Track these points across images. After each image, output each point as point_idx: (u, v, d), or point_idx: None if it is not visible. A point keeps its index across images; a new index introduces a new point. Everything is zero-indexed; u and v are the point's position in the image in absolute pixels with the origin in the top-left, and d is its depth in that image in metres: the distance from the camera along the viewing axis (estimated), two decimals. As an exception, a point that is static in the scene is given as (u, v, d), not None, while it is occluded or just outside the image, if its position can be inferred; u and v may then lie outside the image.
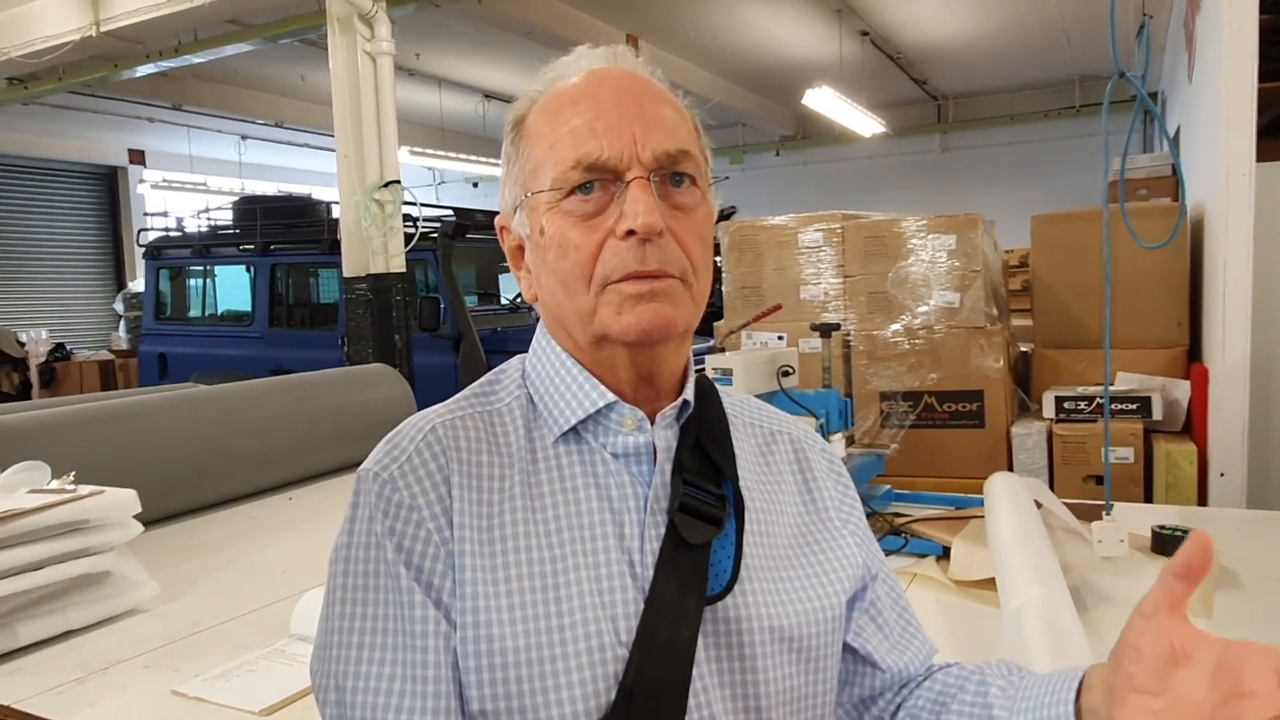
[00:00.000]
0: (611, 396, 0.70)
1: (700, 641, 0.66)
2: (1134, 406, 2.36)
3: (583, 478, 0.70)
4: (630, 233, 0.65)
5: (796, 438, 0.83)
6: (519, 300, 5.74)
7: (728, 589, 0.68)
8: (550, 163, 0.68)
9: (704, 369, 1.18)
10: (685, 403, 0.73)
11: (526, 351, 0.77)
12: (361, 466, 0.69)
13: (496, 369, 0.78)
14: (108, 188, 10.71)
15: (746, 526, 0.72)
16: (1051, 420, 2.45)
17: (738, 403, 0.83)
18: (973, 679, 0.74)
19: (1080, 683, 0.63)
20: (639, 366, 0.70)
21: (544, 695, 0.62)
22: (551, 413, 0.72)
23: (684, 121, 0.72)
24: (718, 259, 3.12)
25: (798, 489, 0.80)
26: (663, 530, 0.68)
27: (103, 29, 5.18)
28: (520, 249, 0.74)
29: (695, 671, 0.65)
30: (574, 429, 0.71)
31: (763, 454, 0.80)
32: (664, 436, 0.71)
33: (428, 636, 0.63)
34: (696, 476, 0.71)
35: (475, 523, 0.66)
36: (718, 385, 0.83)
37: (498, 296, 5.97)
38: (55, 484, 1.50)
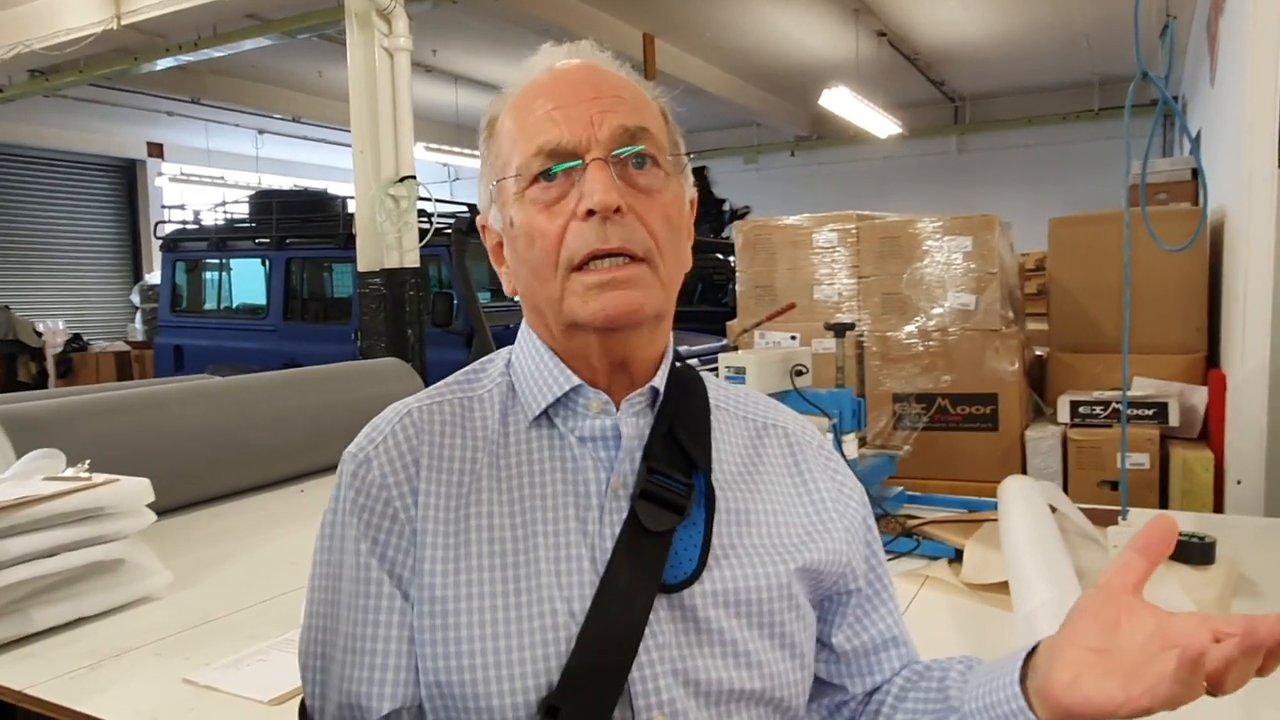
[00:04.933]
0: (576, 380, 0.72)
1: (658, 628, 0.67)
2: (1150, 412, 2.34)
3: (549, 461, 0.72)
4: (590, 212, 0.67)
5: (792, 432, 0.82)
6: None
7: (691, 579, 0.69)
8: (515, 154, 0.71)
9: (715, 368, 1.18)
10: (654, 390, 0.74)
11: None
12: (347, 449, 0.74)
13: (484, 358, 0.80)
14: (126, 180, 10.81)
15: (722, 517, 0.72)
16: (1066, 425, 2.43)
17: (733, 395, 0.83)
18: (934, 670, 0.76)
19: (1028, 660, 0.65)
20: (610, 353, 0.72)
21: (495, 670, 0.64)
22: (526, 399, 0.74)
23: (644, 103, 0.73)
24: (731, 258, 3.11)
25: (791, 481, 0.79)
26: (625, 515, 0.69)
27: (124, 22, 5.22)
28: (500, 245, 0.77)
29: (646, 657, 0.65)
30: (545, 414, 0.73)
31: (753, 445, 0.80)
32: (632, 423, 0.73)
33: (380, 611, 0.67)
34: (665, 465, 0.72)
35: (440, 503, 0.69)
36: (716, 379, 0.84)
37: (510, 293, 5.98)
38: (70, 472, 1.51)
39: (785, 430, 0.82)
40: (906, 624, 0.82)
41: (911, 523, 1.74)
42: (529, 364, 0.75)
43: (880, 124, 8.45)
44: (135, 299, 9.95)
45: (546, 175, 0.69)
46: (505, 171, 0.72)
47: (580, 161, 0.68)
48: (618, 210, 0.67)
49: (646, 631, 0.66)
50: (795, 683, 0.73)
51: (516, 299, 0.77)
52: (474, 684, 0.64)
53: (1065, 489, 2.34)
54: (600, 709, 0.63)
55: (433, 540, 0.68)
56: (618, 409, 0.73)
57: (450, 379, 0.78)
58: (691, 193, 0.77)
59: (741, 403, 0.83)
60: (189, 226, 6.69)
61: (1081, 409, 2.42)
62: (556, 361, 0.73)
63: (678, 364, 0.79)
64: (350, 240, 4.54)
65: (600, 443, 0.72)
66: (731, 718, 0.69)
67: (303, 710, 0.74)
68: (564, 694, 0.63)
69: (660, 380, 0.75)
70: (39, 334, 8.71)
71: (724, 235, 7.43)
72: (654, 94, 0.76)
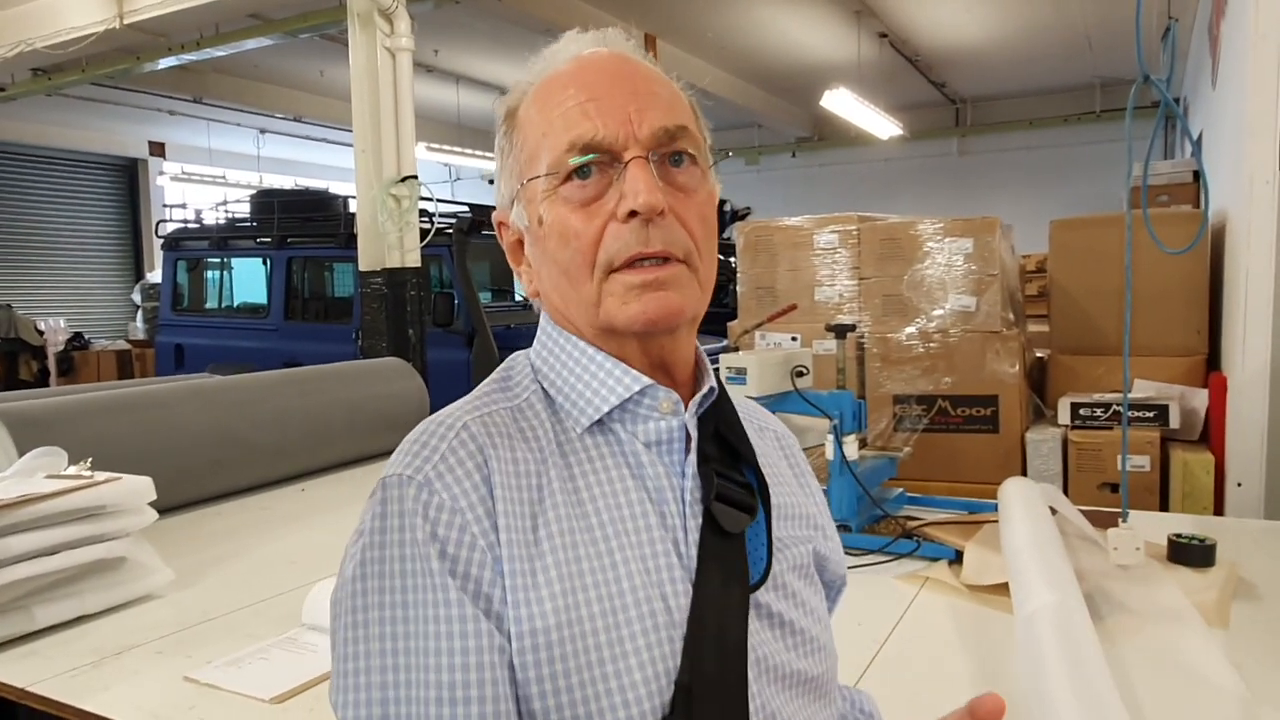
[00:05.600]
0: (646, 380, 0.68)
1: (755, 634, 0.66)
2: (1151, 414, 2.34)
3: (617, 469, 0.67)
4: (632, 214, 0.63)
5: (781, 434, 0.84)
6: (532, 297, 5.74)
7: (765, 575, 0.68)
8: (545, 149, 0.66)
9: (716, 368, 1.18)
10: (713, 389, 0.71)
11: None
12: (386, 472, 0.64)
13: (502, 366, 0.74)
14: (128, 179, 10.81)
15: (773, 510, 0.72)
16: (1067, 427, 2.43)
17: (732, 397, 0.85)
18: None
19: None
20: (650, 355, 0.69)
21: (605, 684, 0.59)
22: (576, 403, 0.69)
23: (679, 100, 0.70)
24: (732, 259, 3.12)
25: (792, 475, 0.81)
26: (700, 520, 0.66)
27: (126, 21, 5.23)
28: (519, 243, 0.72)
29: (754, 670, 0.64)
30: (599, 420, 0.68)
31: (759, 441, 0.81)
32: (693, 423, 0.69)
33: (482, 652, 0.58)
34: (721, 465, 0.69)
35: (520, 523, 0.62)
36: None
37: (512, 293, 5.98)
38: (72, 470, 1.51)
39: (776, 433, 0.84)
40: (907, 626, 0.84)
41: (912, 524, 1.75)
42: (571, 366, 0.69)
43: (881, 126, 8.45)
44: (136, 298, 9.96)
45: (581, 173, 0.65)
46: (534, 168, 0.67)
47: (617, 159, 0.65)
48: (660, 212, 0.64)
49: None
50: (836, 662, 0.75)
51: (531, 301, 0.73)
52: (585, 703, 0.59)
53: (1066, 491, 2.34)
54: None
55: (522, 567, 0.61)
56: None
57: (482, 391, 0.71)
58: (717, 190, 0.75)
59: (739, 405, 0.83)
60: (190, 225, 6.70)
61: (1082, 411, 2.42)
62: (615, 361, 0.68)
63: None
64: (351, 240, 4.55)
65: (665, 446, 0.68)
66: (808, 709, 0.69)
67: None
68: (686, 713, 0.60)
69: (711, 379, 0.72)
70: (40, 332, 8.72)
71: (725, 236, 7.43)
72: (679, 85, 0.73)
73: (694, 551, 0.65)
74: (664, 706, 0.60)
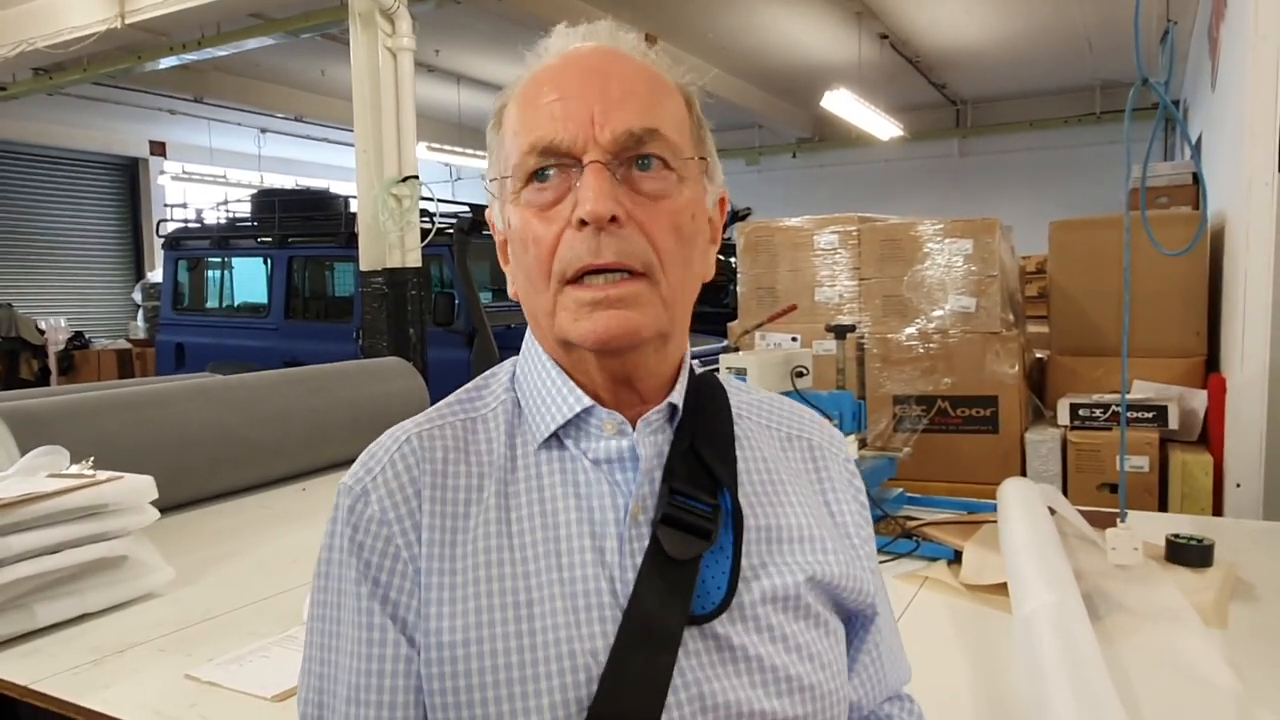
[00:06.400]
0: (588, 401, 0.66)
1: (686, 663, 0.62)
2: (1150, 415, 2.34)
3: (561, 487, 0.66)
4: (584, 222, 0.61)
5: (816, 444, 0.77)
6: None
7: (720, 609, 0.63)
8: (514, 149, 0.65)
9: (716, 368, 1.17)
10: (671, 406, 0.68)
11: None
12: (340, 481, 0.67)
13: (488, 372, 0.74)
14: (129, 178, 10.82)
15: (750, 536, 0.67)
16: (1066, 427, 2.44)
17: (758, 403, 0.78)
18: None
19: None
20: (610, 371, 0.66)
21: (510, 704, 0.59)
22: (534, 418, 0.68)
23: (664, 100, 0.66)
24: (732, 260, 3.12)
25: (811, 491, 0.74)
26: (646, 543, 0.64)
27: (128, 21, 5.23)
28: (506, 243, 0.71)
29: (674, 698, 0.60)
30: (555, 435, 0.67)
31: (778, 456, 0.75)
32: (650, 442, 0.67)
33: (385, 660, 0.61)
34: (688, 485, 0.66)
35: (444, 538, 0.63)
36: (740, 385, 0.79)
37: (511, 293, 5.98)
38: (74, 469, 1.51)
39: (810, 442, 0.77)
40: (906, 625, 0.80)
41: (911, 524, 1.75)
42: (534, 380, 0.69)
43: (882, 126, 8.45)
44: (137, 297, 9.97)
45: (539, 176, 0.63)
46: (503, 168, 0.66)
47: (577, 162, 0.62)
48: (614, 220, 0.61)
49: (674, 670, 0.60)
50: (835, 704, 0.67)
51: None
52: None
53: (1065, 492, 2.35)
54: None
55: (438, 580, 0.62)
56: (634, 428, 0.67)
57: (452, 398, 0.72)
58: (720, 191, 0.71)
59: (766, 411, 0.77)
60: (191, 225, 6.71)
61: (1081, 412, 2.43)
62: (565, 379, 0.67)
63: (697, 372, 0.73)
64: (352, 239, 4.55)
65: (617, 465, 0.66)
66: None
67: None
68: None
69: (679, 395, 0.69)
70: (41, 331, 8.72)
71: (725, 236, 7.43)
72: (682, 79, 0.69)
73: (630, 578, 0.63)
74: None
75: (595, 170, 0.61)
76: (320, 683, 0.64)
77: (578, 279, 0.62)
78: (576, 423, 0.67)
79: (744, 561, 0.66)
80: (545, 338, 0.68)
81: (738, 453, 0.71)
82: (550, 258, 0.63)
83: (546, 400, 0.68)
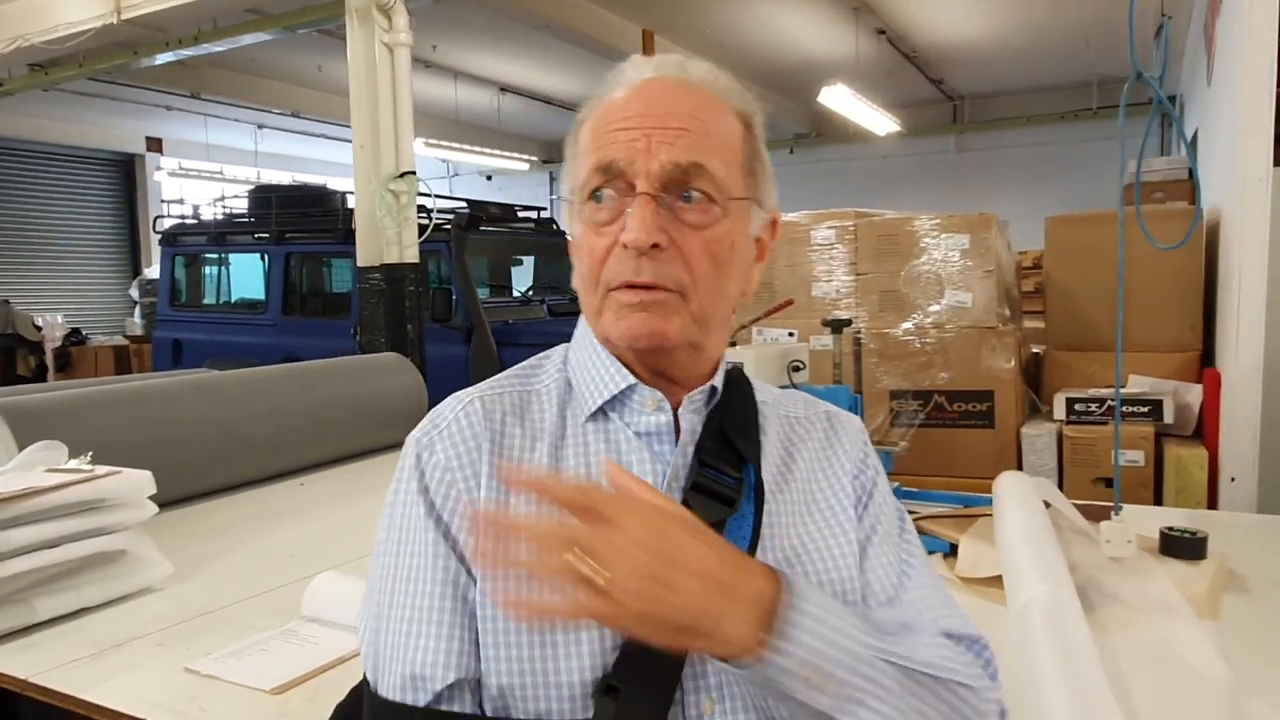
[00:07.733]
0: (631, 379, 0.75)
1: None
2: (1145, 410, 2.35)
3: (606, 453, 0.74)
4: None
5: (833, 413, 0.85)
6: (530, 293, 5.77)
7: None
8: (580, 167, 0.74)
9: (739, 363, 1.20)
10: (713, 389, 0.77)
11: (537, 344, 0.83)
12: (409, 436, 0.76)
13: (541, 354, 0.82)
14: (125, 174, 10.78)
15: (770, 515, 0.74)
16: (1062, 422, 2.45)
17: (780, 397, 0.85)
18: None
19: None
20: (648, 366, 0.75)
21: (553, 648, 0.67)
22: (583, 394, 0.77)
23: (714, 136, 0.72)
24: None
25: (821, 465, 0.80)
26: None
27: (123, 16, 5.21)
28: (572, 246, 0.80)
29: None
30: (602, 410, 0.76)
31: (793, 441, 0.81)
32: (690, 419, 0.75)
33: (446, 584, 0.69)
34: (716, 459, 0.74)
35: (501, 488, 0.71)
36: (764, 384, 0.85)
37: (510, 289, 5.98)
38: (72, 464, 1.52)
39: (828, 413, 0.84)
40: None
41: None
42: (585, 361, 0.78)
43: (879, 122, 8.45)
44: (134, 293, 9.94)
45: (597, 196, 0.72)
46: (572, 184, 0.75)
47: (631, 189, 0.70)
48: (656, 246, 0.69)
49: None
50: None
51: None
52: (532, 660, 0.67)
53: (1061, 485, 2.36)
54: (660, 690, 0.65)
55: None
56: (673, 406, 0.75)
57: (508, 373, 0.81)
58: (770, 214, 0.77)
59: (786, 404, 0.85)
60: (188, 221, 6.69)
61: (1077, 406, 2.44)
62: (613, 360, 0.76)
63: (727, 367, 0.81)
64: (350, 235, 4.55)
65: (654, 437, 0.75)
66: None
67: (363, 685, 0.74)
68: (622, 674, 0.65)
69: (719, 379, 0.78)
70: (38, 327, 8.71)
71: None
72: (743, 102, 0.75)
73: None
74: (603, 667, 0.66)
75: (643, 201, 0.69)
76: (384, 609, 0.70)
77: (619, 287, 0.71)
78: (621, 398, 0.75)
79: (764, 531, 0.73)
80: (596, 330, 0.77)
81: (761, 437, 0.79)
82: (600, 268, 0.72)
83: (595, 378, 0.76)
